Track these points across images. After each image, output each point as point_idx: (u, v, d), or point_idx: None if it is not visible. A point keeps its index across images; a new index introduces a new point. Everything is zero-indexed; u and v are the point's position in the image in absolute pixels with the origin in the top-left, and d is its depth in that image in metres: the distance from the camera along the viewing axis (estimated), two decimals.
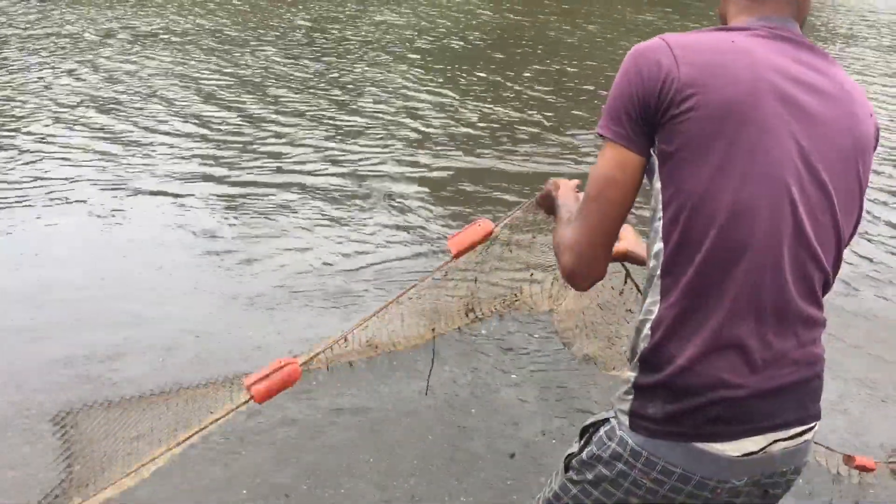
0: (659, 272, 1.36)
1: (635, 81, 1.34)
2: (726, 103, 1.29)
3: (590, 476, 1.44)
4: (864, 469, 2.71)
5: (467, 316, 2.46)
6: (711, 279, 1.31)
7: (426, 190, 5.82)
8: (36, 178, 5.55)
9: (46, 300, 4.03)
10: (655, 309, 1.37)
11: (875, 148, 1.46)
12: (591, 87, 8.91)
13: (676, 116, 1.30)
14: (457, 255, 1.83)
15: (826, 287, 1.42)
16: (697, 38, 1.37)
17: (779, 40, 1.38)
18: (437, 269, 1.91)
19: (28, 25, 10.33)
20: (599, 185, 1.38)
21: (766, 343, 1.34)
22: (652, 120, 1.33)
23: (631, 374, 1.41)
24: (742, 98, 1.29)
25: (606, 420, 1.45)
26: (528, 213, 2.12)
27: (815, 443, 2.75)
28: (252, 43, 10.15)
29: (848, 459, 2.71)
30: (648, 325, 1.38)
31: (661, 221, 1.35)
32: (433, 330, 2.37)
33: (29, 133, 6.44)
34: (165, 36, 10.25)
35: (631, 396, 1.40)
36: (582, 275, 1.43)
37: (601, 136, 1.39)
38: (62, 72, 8.29)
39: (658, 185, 1.35)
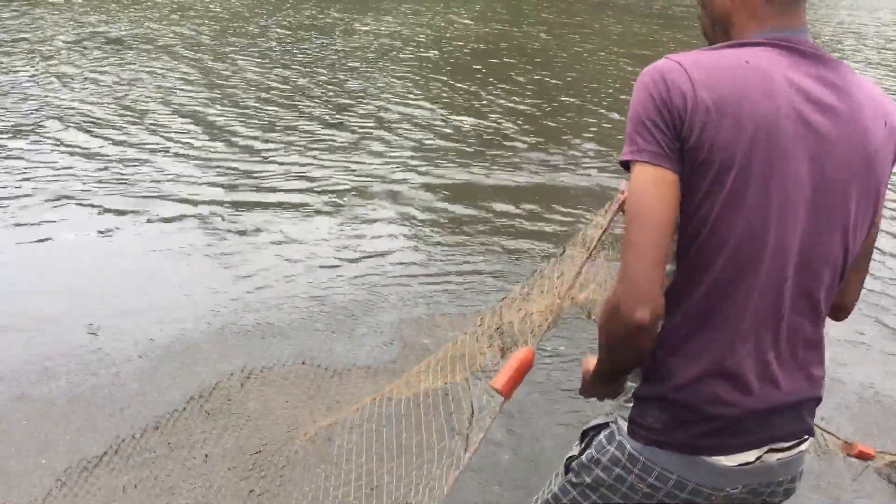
0: (665, 291, 1.36)
1: (658, 103, 1.30)
2: (742, 130, 1.27)
3: (588, 479, 1.47)
4: (863, 457, 2.72)
5: (503, 356, 2.33)
6: (717, 302, 1.33)
7: (416, 203, 5.76)
8: (16, 191, 5.44)
9: (38, 306, 3.94)
10: (658, 323, 1.37)
11: None
12: (575, 100, 8.87)
13: (694, 142, 1.28)
14: (509, 394, 1.69)
15: (828, 304, 1.43)
16: (711, 59, 1.33)
17: (794, 55, 1.34)
18: (494, 417, 1.76)
19: (6, 32, 10.17)
20: (639, 203, 1.32)
21: (766, 365, 1.35)
22: (678, 138, 1.31)
23: (632, 384, 1.43)
24: (758, 124, 1.28)
25: (606, 424, 1.48)
26: (555, 324, 2.03)
27: (818, 426, 2.75)
28: (235, 51, 10.08)
29: (848, 447, 2.73)
30: None
31: (675, 243, 1.34)
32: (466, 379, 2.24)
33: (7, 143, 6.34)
34: (149, 44, 10.15)
35: (631, 404, 1.42)
36: (639, 303, 1.29)
37: (630, 161, 1.33)
38: (43, 79, 8.20)
39: None
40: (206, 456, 2.11)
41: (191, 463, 2.21)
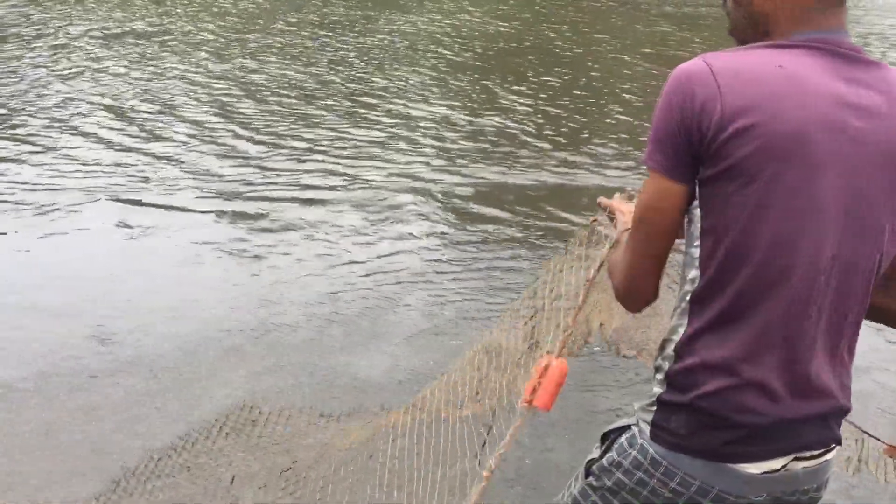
0: (689, 298, 1.36)
1: (677, 111, 1.29)
2: (773, 138, 1.24)
3: (609, 483, 1.45)
4: None
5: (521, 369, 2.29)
6: (745, 311, 1.31)
7: (436, 203, 5.78)
8: (36, 190, 5.47)
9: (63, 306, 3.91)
10: (681, 332, 1.37)
11: None
12: (596, 100, 8.80)
13: (719, 148, 1.26)
14: (549, 407, 1.73)
15: (861, 312, 1.40)
16: (743, 63, 1.29)
17: (832, 58, 1.31)
18: (513, 430, 1.75)
19: (28, 26, 10.22)
20: (643, 212, 1.38)
21: (796, 374, 1.33)
22: (696, 150, 1.29)
23: (657, 389, 1.41)
24: (789, 133, 1.25)
25: (628, 427, 1.46)
26: (576, 331, 1.99)
27: (860, 429, 2.74)
28: (258, 48, 10.09)
29: (892, 450, 2.68)
30: (672, 347, 1.38)
31: (699, 249, 1.34)
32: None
33: (30, 140, 6.38)
34: (173, 41, 10.19)
35: (654, 409, 1.40)
36: (632, 297, 1.46)
37: (646, 165, 1.36)
38: (66, 74, 8.26)
39: (697, 211, 1.34)
40: (233, 478, 2.05)
41: (215, 486, 2.16)
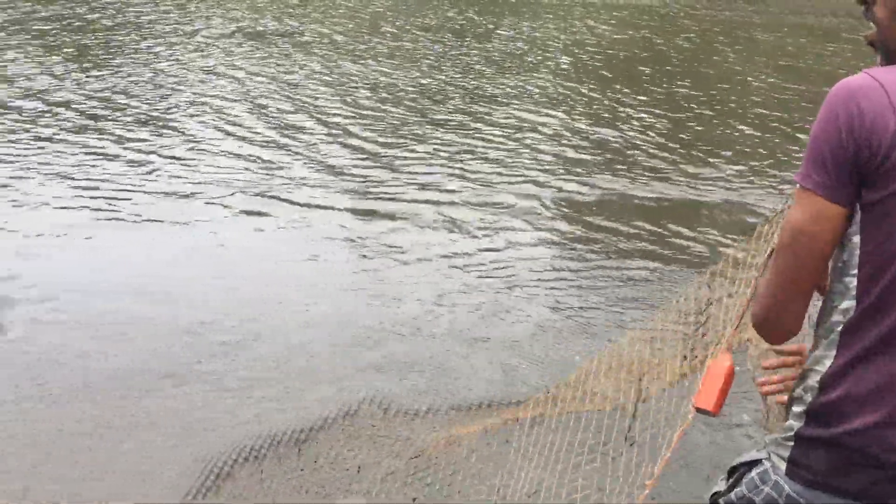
0: (841, 328, 1.29)
1: (843, 128, 1.21)
2: None
3: None
4: None
5: (681, 365, 2.19)
6: None
7: (548, 214, 5.70)
8: (156, 185, 5.66)
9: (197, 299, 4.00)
10: (828, 363, 1.30)
11: None
12: (716, 114, 8.49)
13: (891, 168, 1.19)
14: (718, 412, 1.65)
15: None
16: None
17: None
18: (679, 433, 1.71)
19: (166, 24, 10.72)
20: (793, 235, 1.29)
21: None
22: (862, 170, 1.22)
23: (794, 423, 1.34)
24: None
25: (759, 462, 1.39)
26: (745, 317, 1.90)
27: None
28: (370, 51, 10.28)
29: None
30: (817, 378, 1.31)
31: (857, 278, 1.27)
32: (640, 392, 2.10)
33: (160, 135, 6.62)
34: (301, 41, 10.50)
35: (791, 443, 1.34)
36: (770, 327, 1.38)
37: (800, 184, 1.28)
38: (183, 72, 8.59)
39: (856, 238, 1.26)
40: (360, 467, 2.03)
41: (342, 474, 2.14)
